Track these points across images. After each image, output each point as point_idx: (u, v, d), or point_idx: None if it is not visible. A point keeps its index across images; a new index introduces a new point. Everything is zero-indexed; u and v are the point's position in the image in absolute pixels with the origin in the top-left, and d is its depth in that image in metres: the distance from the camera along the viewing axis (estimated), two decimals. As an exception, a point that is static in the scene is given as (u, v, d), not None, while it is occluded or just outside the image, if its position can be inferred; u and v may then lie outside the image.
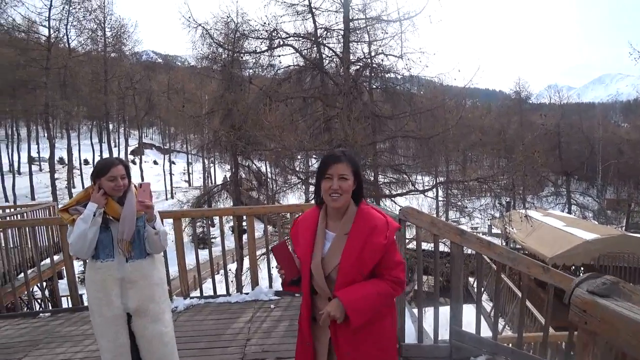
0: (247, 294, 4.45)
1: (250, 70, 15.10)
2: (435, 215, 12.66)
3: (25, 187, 30.78)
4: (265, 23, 12.35)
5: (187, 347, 3.18)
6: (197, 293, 4.66)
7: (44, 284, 6.43)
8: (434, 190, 13.26)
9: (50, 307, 6.20)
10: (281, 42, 12.70)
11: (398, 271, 1.53)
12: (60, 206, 2.42)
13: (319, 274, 1.51)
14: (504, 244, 16.05)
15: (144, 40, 58.53)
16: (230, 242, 15.51)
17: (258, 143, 13.44)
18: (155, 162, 49.78)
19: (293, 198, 13.33)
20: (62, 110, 27.63)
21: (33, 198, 29.47)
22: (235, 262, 13.28)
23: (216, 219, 16.17)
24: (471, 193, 12.02)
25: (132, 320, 2.23)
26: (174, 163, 42.99)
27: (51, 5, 25.01)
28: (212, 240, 7.35)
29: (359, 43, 12.78)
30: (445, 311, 2.80)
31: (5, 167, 32.97)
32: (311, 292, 1.57)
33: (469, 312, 2.86)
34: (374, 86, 13.14)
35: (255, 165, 17.01)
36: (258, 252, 5.13)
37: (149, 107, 39.44)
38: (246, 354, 3.13)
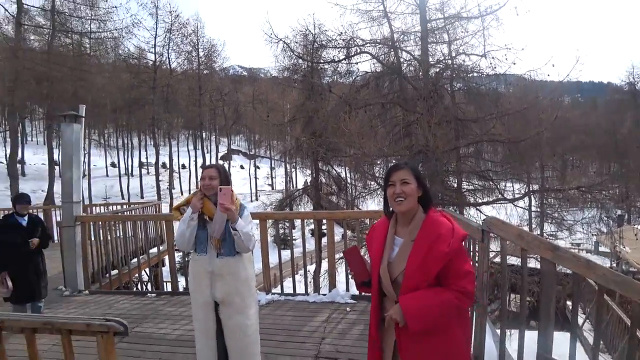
0: (324, 295, 4.61)
1: (329, 79, 15.49)
2: (527, 228, 11.53)
3: (136, 187, 35.83)
4: (341, 33, 12.59)
5: (266, 338, 3.40)
6: (278, 290, 4.97)
7: (151, 269, 7.49)
8: (526, 199, 12.01)
9: (155, 290, 7.09)
10: (358, 50, 12.81)
11: (465, 282, 1.49)
12: (175, 204, 2.83)
13: (385, 278, 1.58)
14: (614, 265, 13.91)
15: (231, 57, 64.31)
16: (310, 245, 16.07)
17: (338, 149, 13.71)
18: (241, 167, 53.64)
19: (372, 204, 13.27)
20: (165, 122, 31.86)
21: (142, 197, 34.04)
22: (314, 264, 13.66)
23: (297, 222, 16.89)
24: (572, 203, 10.69)
25: (219, 308, 2.49)
26: (258, 168, 45.93)
27: (156, 35, 29.87)
28: (293, 241, 7.72)
29: (438, 44, 12.31)
30: (533, 336, 2.55)
31: (122, 171, 38.55)
32: (381, 294, 1.63)
33: (563, 340, 2.53)
34: (456, 88, 12.49)
35: (335, 170, 17.37)
36: (336, 256, 5.26)
37: (236, 117, 43.07)
38: (320, 352, 3.25)
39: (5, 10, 19.72)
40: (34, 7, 20.09)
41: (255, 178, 41.54)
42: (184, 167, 43.66)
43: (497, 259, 7.43)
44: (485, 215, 7.74)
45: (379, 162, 11.89)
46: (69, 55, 21.87)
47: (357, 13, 12.39)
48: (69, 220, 5.52)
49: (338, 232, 8.02)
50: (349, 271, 1.64)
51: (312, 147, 13.93)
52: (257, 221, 4.94)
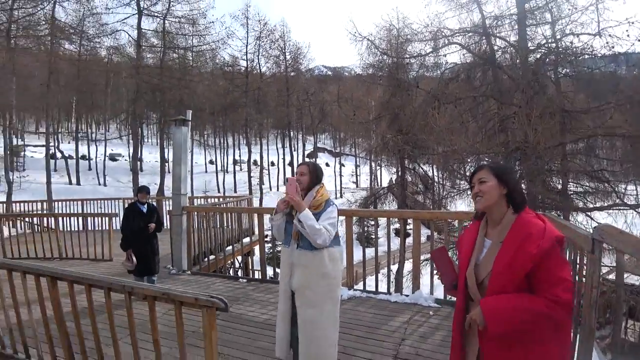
0: (406, 295, 4.55)
1: (416, 73, 14.98)
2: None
3: (230, 182, 39.48)
4: (427, 24, 12.08)
5: (346, 332, 3.50)
6: (360, 286, 5.04)
7: (243, 257, 8.22)
8: (653, 205, 10.05)
9: (245, 276, 7.72)
10: (446, 41, 12.13)
11: (559, 290, 1.34)
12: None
13: (471, 280, 1.53)
14: None
15: (316, 58, 66.15)
16: (394, 244, 15.82)
17: (425, 147, 13.23)
18: (327, 164, 54.91)
19: (462, 205, 12.47)
20: (256, 123, 34.52)
21: (235, 191, 37.23)
22: (397, 264, 13.43)
23: (382, 220, 16.68)
24: None
25: (295, 297, 2.64)
26: (343, 165, 46.64)
27: (247, 43, 32.61)
28: (377, 239, 7.68)
29: (539, 26, 11.00)
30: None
31: (219, 167, 42.56)
32: (467, 298, 1.58)
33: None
34: (562, 74, 10.98)
35: (422, 168, 16.78)
36: (421, 257, 5.13)
37: (322, 116, 44.37)
38: (399, 352, 3.22)
39: (129, 36, 23.72)
40: (149, 30, 23.71)
41: (340, 175, 42.23)
42: (273, 164, 46.36)
43: (611, 276, 6.42)
44: (597, 222, 6.67)
45: (470, 160, 11.15)
46: (176, 68, 25.09)
47: (444, 1, 11.82)
48: (177, 210, 6.39)
49: (423, 232, 7.77)
50: (435, 272, 1.60)
51: (398, 144, 13.64)
52: (343, 218, 5.09)
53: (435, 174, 18.06)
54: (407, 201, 16.95)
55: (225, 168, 43.39)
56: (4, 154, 21.66)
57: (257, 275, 8.50)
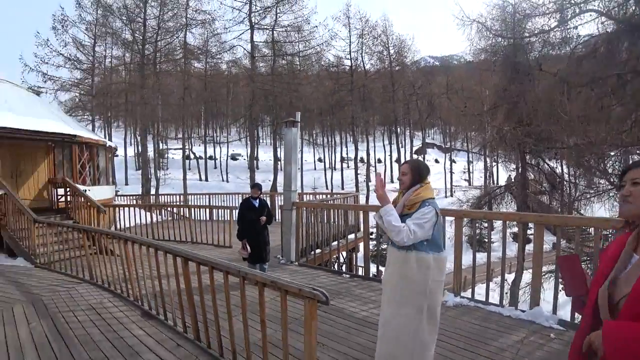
0: (522, 311, 3.99)
1: (538, 54, 12.99)
2: None
3: (337, 179, 40.56)
4: (552, -8, 10.24)
5: (446, 341, 3.28)
6: (468, 294, 4.64)
7: (347, 253, 8.35)
8: None
9: (349, 272, 7.82)
10: (577, 10, 10.15)
11: None
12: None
13: (603, 299, 1.23)
14: None
15: (421, 49, 62.74)
16: (510, 250, 14.22)
17: (552, 139, 11.51)
18: (436, 161, 52.23)
19: (601, 209, 10.38)
20: (363, 120, 34.55)
21: (342, 188, 38.08)
22: (514, 273, 12.00)
23: (497, 223, 14.98)
24: None
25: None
26: (454, 162, 43.63)
27: (350, 42, 33.17)
28: (491, 244, 6.93)
29: None
30: None
31: (327, 165, 44.08)
32: (595, 319, 1.27)
33: None
34: None
35: (547, 164, 14.61)
36: (544, 268, 4.46)
37: (430, 110, 42.20)
38: (512, 372, 2.86)
39: (244, 49, 26.65)
40: (260, 42, 26.44)
41: (451, 173, 39.57)
42: (379, 161, 46.01)
43: None
44: None
45: (613, 154, 9.25)
46: (285, 73, 27.17)
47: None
48: (288, 205, 6.85)
49: (547, 240, 6.69)
50: (560, 281, 1.32)
51: (517, 137, 12.12)
52: (452, 218, 4.76)
53: (565, 171, 15.54)
54: (529, 202, 14.94)
55: (333, 165, 44.82)
56: (154, 156, 26.38)
57: (361, 271, 8.55)
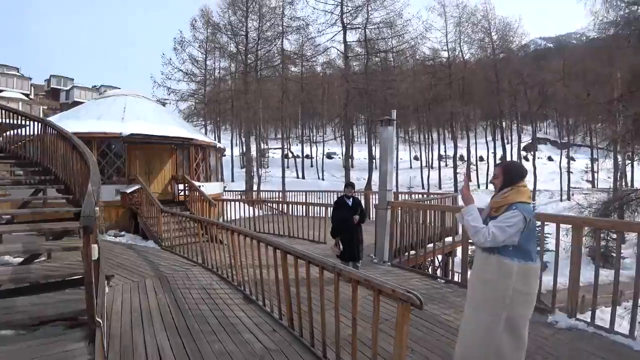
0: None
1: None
2: None
3: (435, 178, 38.51)
4: None
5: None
6: (586, 317, 3.91)
7: (443, 257, 7.89)
8: None
9: (444, 277, 7.39)
10: None
11: None
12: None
13: None
14: None
15: (530, 31, 54.76)
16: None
17: None
18: (549, 159, 46.26)
19: None
20: (462, 115, 32.17)
21: (440, 187, 36.15)
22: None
23: (630, 235, 12.47)
24: None
25: None
26: (572, 159, 37.96)
27: (447, 32, 31.17)
28: (621, 260, 5.72)
29: None
30: None
31: (423, 163, 42.29)
32: None
33: None
34: None
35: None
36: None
37: (542, 100, 36.76)
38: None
39: (337, 50, 27.07)
40: (353, 42, 26.40)
41: (568, 172, 34.11)
42: (481, 159, 42.45)
43: None
44: None
45: None
46: (379, 71, 26.61)
47: None
48: (383, 204, 6.80)
49: None
50: None
51: (659, 128, 10.02)
52: (569, 226, 4.16)
53: None
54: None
55: (430, 164, 42.79)
56: (256, 155, 28.62)
57: (457, 277, 7.99)
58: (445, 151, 43.26)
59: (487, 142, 40.93)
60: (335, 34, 25.85)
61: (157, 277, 5.75)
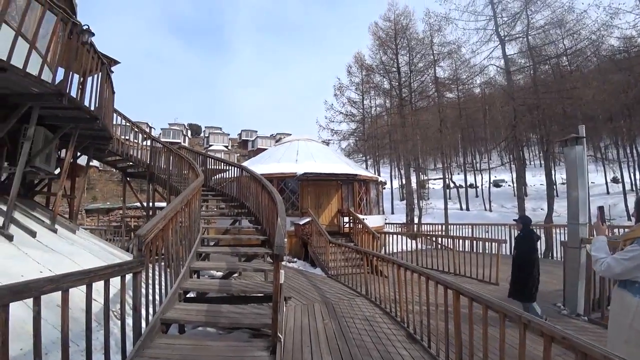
0: None
1: None
2: None
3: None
4: None
5: None
6: None
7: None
8: None
9: None
10: None
11: None
12: None
13: None
14: None
15: None
16: None
17: None
18: None
19: None
20: None
21: (629, 219, 27.42)
22: None
23: None
24: None
25: None
26: None
27: None
28: None
29: None
30: None
31: (626, 187, 33.05)
32: None
33: None
34: None
35: None
36: None
37: None
38: None
39: (497, 67, 24.15)
40: (514, 54, 23.05)
41: None
42: None
43: None
44: None
45: None
46: (551, 80, 22.53)
47: None
48: (574, 242, 5.62)
49: None
50: None
51: None
52: None
53: None
54: None
55: (637, 186, 33.37)
56: (417, 187, 28.10)
57: None
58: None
59: None
60: (492, 50, 23.65)
61: (324, 302, 6.17)
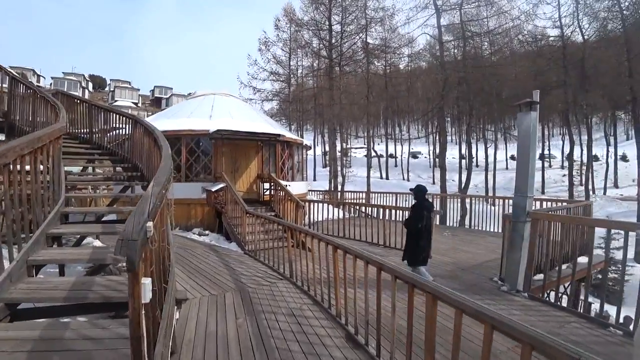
0: None
1: None
2: None
3: (537, 182, 33.48)
4: None
5: None
6: None
7: (572, 284, 5.76)
8: None
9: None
10: None
11: None
12: None
13: None
14: None
15: None
16: None
17: None
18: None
19: None
20: (584, 105, 26.79)
21: (543, 192, 31.44)
22: None
23: None
24: None
25: None
26: None
27: (559, 4, 24.51)
28: None
29: None
30: None
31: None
32: None
33: None
34: None
35: None
36: None
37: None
38: None
39: (430, 36, 24.52)
40: (447, 24, 23.47)
41: None
42: (596, 158, 35.87)
43: None
44: None
45: None
46: (480, 56, 23.42)
47: None
48: (521, 215, 5.13)
49: None
50: None
51: None
52: None
53: None
54: None
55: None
56: (341, 155, 27.65)
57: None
58: (549, 149, 37.61)
59: (607, 137, 34.57)
60: (428, 18, 23.55)
61: (239, 291, 4.96)
